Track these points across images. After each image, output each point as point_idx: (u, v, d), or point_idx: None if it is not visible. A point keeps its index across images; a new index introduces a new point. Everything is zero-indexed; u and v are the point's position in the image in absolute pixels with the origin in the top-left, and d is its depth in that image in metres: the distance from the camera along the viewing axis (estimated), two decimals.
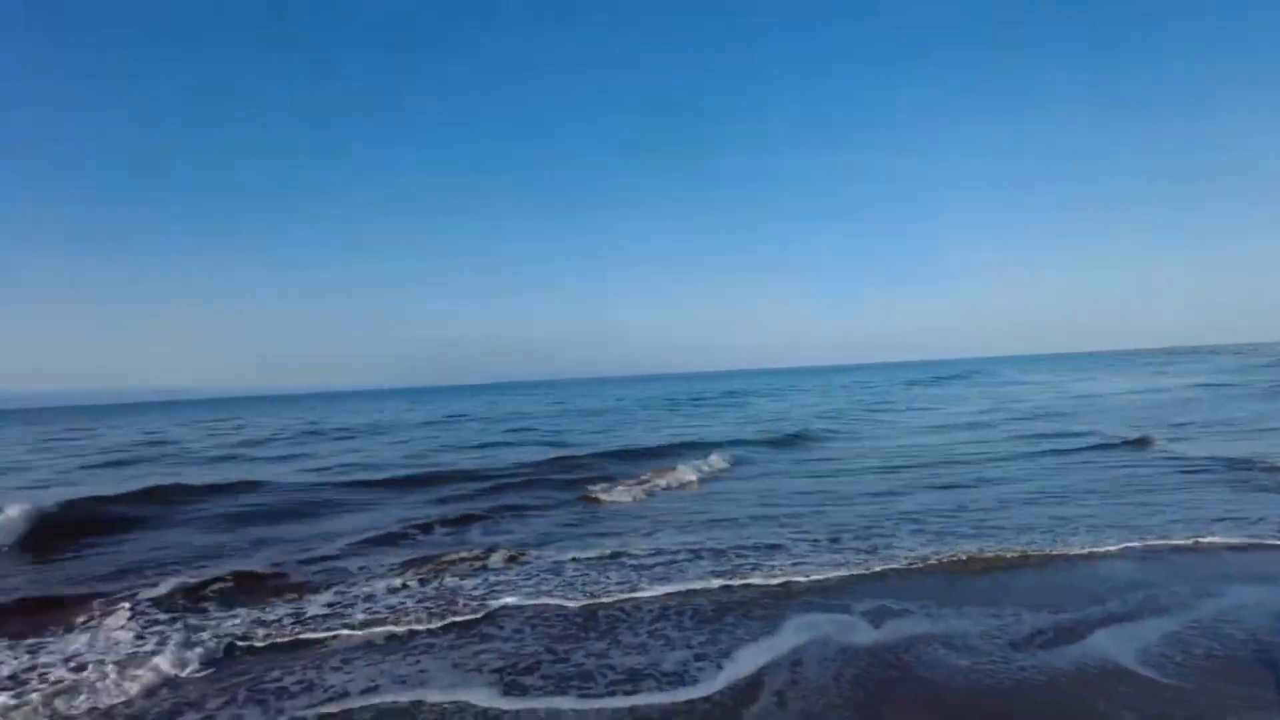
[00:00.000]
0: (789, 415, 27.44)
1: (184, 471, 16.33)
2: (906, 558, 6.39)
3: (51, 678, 4.29)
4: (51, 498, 10.16)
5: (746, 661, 4.31)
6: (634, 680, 4.10)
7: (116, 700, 3.98)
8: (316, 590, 6.14)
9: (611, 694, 3.92)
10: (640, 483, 11.57)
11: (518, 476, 13.09)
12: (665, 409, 36.76)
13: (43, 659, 4.62)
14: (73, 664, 4.50)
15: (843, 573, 6.03)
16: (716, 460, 13.64)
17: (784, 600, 5.47)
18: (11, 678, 4.32)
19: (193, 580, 6.41)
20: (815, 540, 7.23)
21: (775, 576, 5.97)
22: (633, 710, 3.72)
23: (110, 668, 4.33)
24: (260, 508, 10.74)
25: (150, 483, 12.43)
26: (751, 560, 6.55)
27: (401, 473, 14.15)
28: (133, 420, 54.65)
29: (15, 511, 8.63)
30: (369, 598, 5.88)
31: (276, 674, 4.32)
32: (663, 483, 11.68)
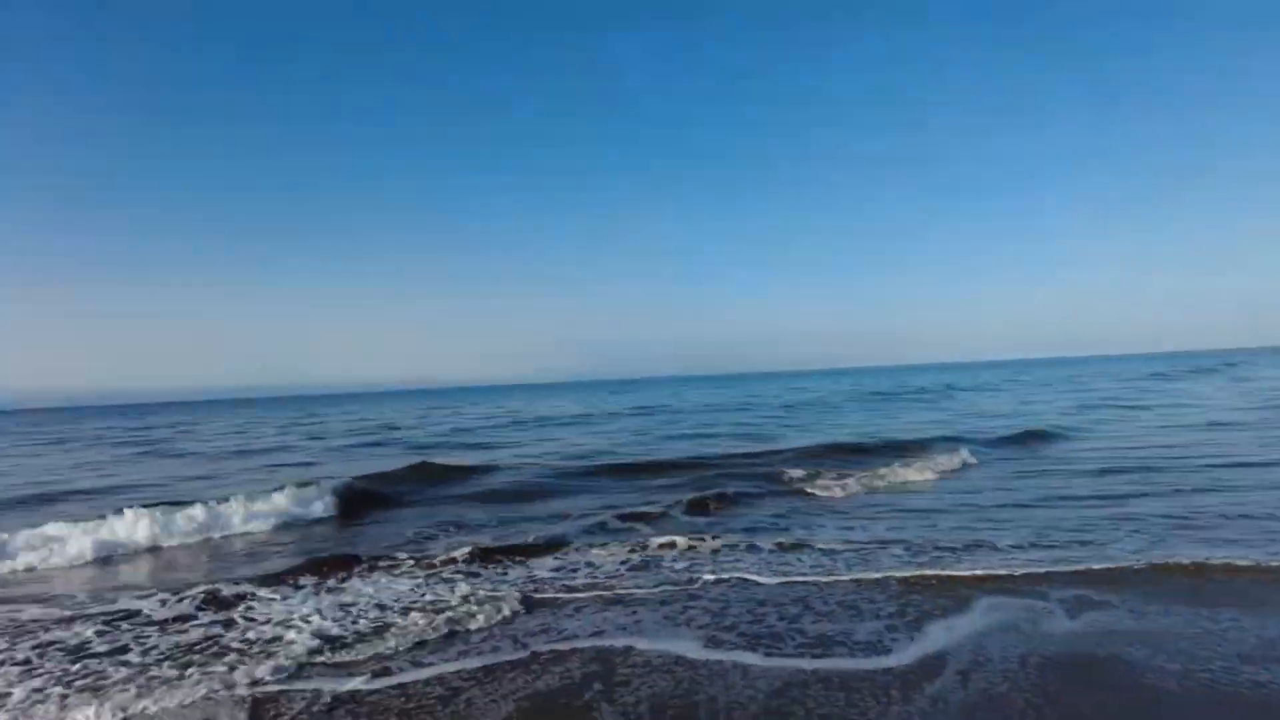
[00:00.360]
0: (1013, 411, 25.85)
1: (426, 454, 19.43)
2: (1117, 559, 6.24)
3: (366, 616, 5.68)
4: (345, 474, 12.84)
5: (932, 638, 4.67)
6: (822, 645, 4.65)
7: (424, 638, 5.16)
8: (544, 557, 7.37)
9: (800, 655, 4.50)
10: (843, 477, 11.86)
11: (723, 467, 13.88)
12: (869, 403, 35.85)
13: (356, 601, 6.13)
14: (379, 607, 5.91)
15: (1044, 569, 6.06)
16: (940, 457, 13.36)
17: (977, 588, 5.68)
18: (343, 607, 5.88)
19: (454, 546, 7.97)
20: (1023, 538, 7.22)
21: (973, 569, 6.15)
22: (815, 672, 4.26)
23: (410, 612, 5.68)
24: (495, 488, 12.59)
25: (413, 461, 15.11)
26: (953, 554, 6.74)
27: (611, 460, 15.59)
28: (346, 408, 64.33)
29: (329, 488, 11.11)
30: (589, 565, 7.01)
31: (523, 619, 5.47)
32: (875, 479, 11.81)
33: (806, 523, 8.79)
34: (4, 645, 5.17)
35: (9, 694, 4.33)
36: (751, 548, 7.44)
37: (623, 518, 9.26)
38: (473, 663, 4.65)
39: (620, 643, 4.87)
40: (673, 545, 7.62)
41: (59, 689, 4.37)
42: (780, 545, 7.48)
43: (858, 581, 6.04)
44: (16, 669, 4.72)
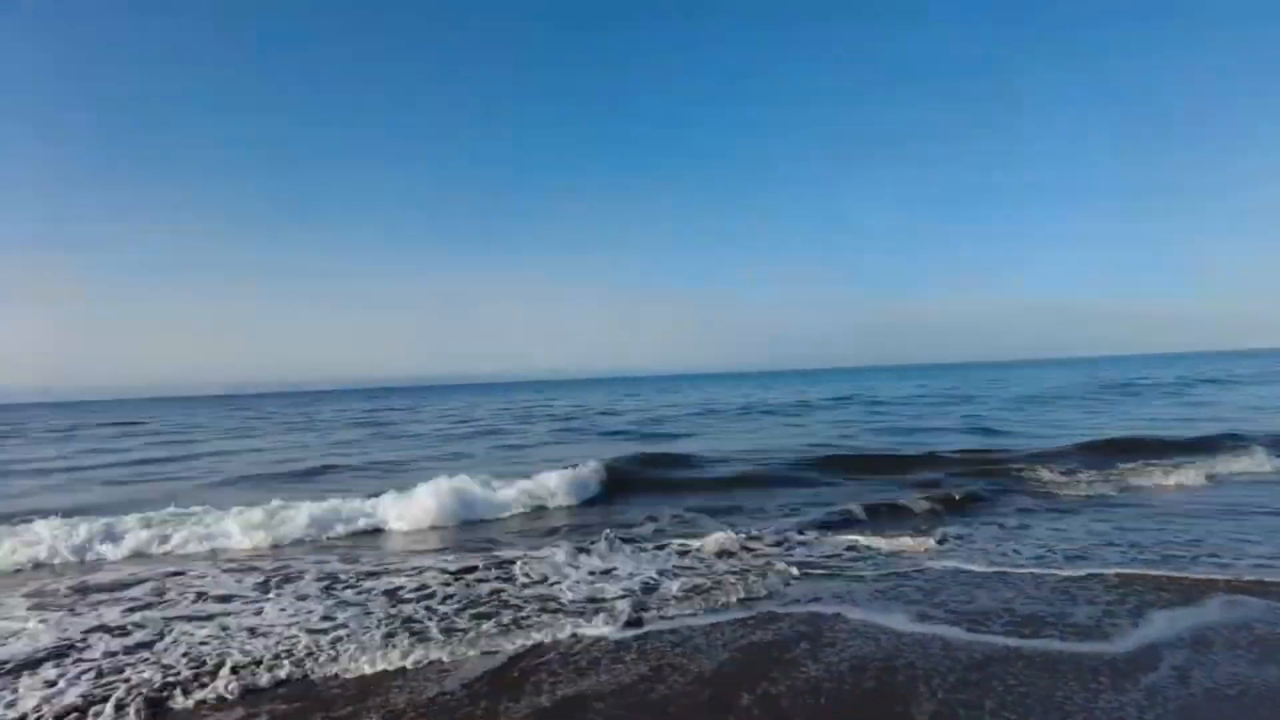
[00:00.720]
0: None
1: (643, 438, 21.50)
2: None
3: (619, 579, 7.04)
4: (581, 456, 14.48)
5: (1150, 630, 4.89)
6: (1029, 626, 5.06)
7: (663, 597, 6.42)
8: (767, 537, 8.22)
9: (1006, 635, 4.93)
10: (1085, 475, 11.66)
11: (950, 464, 13.84)
12: (1108, 396, 33.03)
13: (612, 567, 7.54)
14: (630, 574, 7.24)
15: None
16: (1226, 457, 12.49)
17: (1210, 589, 5.70)
18: (603, 571, 7.21)
19: (688, 524, 9.36)
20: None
21: (1210, 573, 6.10)
22: (1019, 650, 4.67)
23: (653, 576, 6.95)
24: (720, 474, 13.74)
25: (643, 446, 17.41)
26: (1191, 558, 6.67)
27: (829, 453, 16.01)
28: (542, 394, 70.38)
29: (596, 467, 12.88)
30: (808, 546, 7.84)
31: (747, 587, 6.38)
32: (1127, 477, 11.37)
33: (1034, 520, 8.83)
34: (351, 592, 6.79)
35: (345, 625, 5.77)
36: (971, 539, 7.79)
37: (843, 507, 9.82)
38: (704, 620, 5.62)
39: (831, 610, 5.61)
40: (890, 533, 8.17)
41: (388, 628, 5.71)
42: (1001, 538, 7.75)
43: (1076, 575, 6.25)
44: (351, 608, 6.20)
